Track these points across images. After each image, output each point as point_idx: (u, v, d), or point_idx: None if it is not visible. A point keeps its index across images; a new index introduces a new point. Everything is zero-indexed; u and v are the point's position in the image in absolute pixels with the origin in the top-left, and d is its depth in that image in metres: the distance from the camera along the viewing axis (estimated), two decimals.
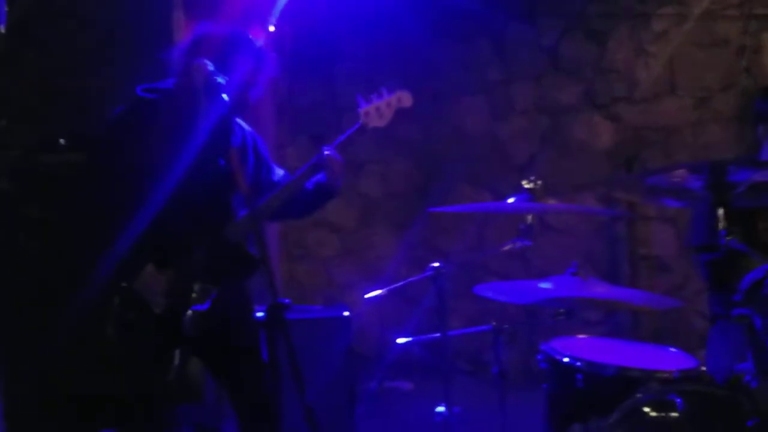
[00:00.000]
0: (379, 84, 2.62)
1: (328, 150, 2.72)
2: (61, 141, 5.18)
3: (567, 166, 4.90)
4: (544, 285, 2.34)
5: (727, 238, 2.15)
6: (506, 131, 5.08)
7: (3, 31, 3.73)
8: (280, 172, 2.92)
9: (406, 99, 2.77)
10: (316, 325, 3.74)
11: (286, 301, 2.21)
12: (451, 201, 5.21)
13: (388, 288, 2.46)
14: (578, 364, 2.41)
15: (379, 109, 2.74)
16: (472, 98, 5.18)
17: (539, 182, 2.42)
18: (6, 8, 3.86)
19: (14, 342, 4.58)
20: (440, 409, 2.63)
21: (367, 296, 2.51)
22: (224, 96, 2.38)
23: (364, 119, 2.74)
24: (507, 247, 2.38)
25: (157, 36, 4.48)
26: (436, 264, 2.43)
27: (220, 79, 2.44)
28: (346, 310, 3.79)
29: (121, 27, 4.28)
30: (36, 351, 4.53)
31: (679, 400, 2.13)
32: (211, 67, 2.47)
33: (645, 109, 4.75)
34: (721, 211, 2.16)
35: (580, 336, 2.73)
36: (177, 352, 2.42)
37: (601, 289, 2.37)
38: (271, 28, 4.59)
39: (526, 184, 2.46)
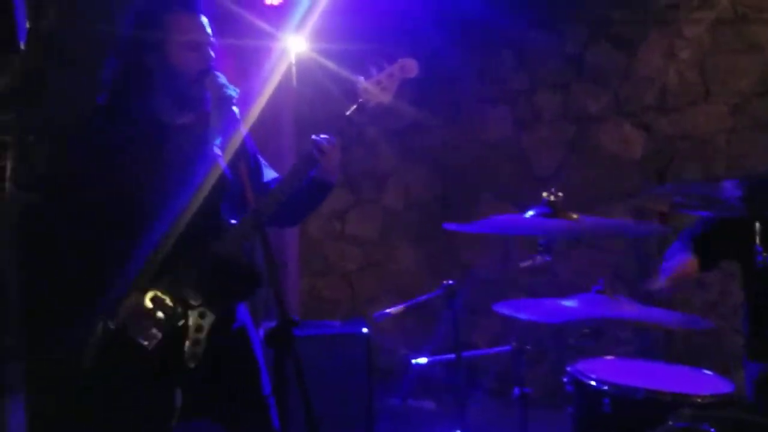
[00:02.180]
0: (400, 92, 2.45)
1: (318, 138, 2.39)
2: None
3: (595, 177, 4.73)
4: (569, 303, 2.20)
5: (764, 254, 2.01)
6: (531, 141, 4.94)
7: (23, 48, 3.67)
8: (272, 173, 2.65)
9: (410, 67, 2.46)
10: (335, 341, 3.64)
11: (295, 318, 2.06)
12: (474, 213, 5.06)
13: (396, 307, 2.32)
14: (606, 387, 2.28)
15: (381, 82, 2.43)
16: (495, 108, 5.05)
17: (560, 194, 2.26)
18: (28, 24, 3.80)
19: (36, 355, 4.55)
20: None
21: (376, 315, 2.37)
22: (235, 108, 2.27)
23: (364, 96, 2.42)
24: (526, 264, 2.23)
25: None
26: (450, 281, 2.26)
27: (231, 91, 2.33)
28: (364, 327, 3.68)
29: None
30: (55, 367, 4.49)
31: (713, 430, 1.98)
32: (222, 78, 2.37)
33: (677, 117, 4.57)
34: (757, 226, 2.01)
35: (608, 357, 2.59)
36: (178, 392, 2.29)
37: (629, 308, 2.22)
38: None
39: (546, 196, 2.30)
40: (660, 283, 2.52)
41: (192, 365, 2.33)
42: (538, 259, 2.22)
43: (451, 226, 2.33)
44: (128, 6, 2.46)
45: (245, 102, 2.67)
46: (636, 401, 2.23)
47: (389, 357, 5.10)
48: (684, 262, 2.61)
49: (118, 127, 2.37)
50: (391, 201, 5.38)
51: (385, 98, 2.46)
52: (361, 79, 2.47)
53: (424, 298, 2.38)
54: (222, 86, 2.32)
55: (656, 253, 4.50)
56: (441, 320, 4.58)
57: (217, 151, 2.45)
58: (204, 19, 2.44)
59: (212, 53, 2.44)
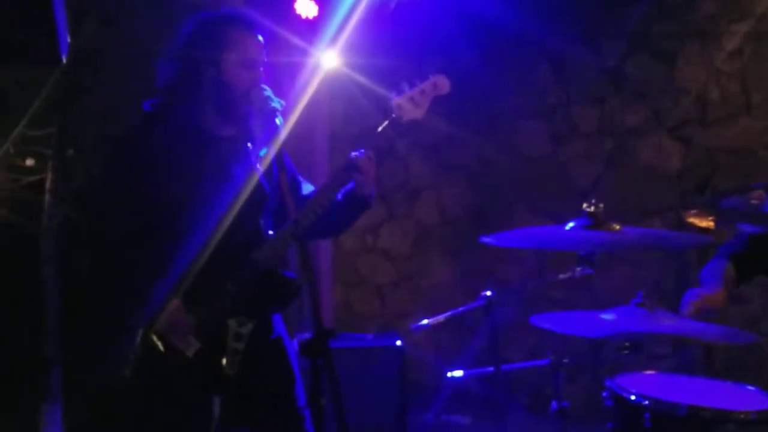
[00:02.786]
0: (431, 112, 2.43)
1: (356, 153, 2.41)
2: None
3: (632, 191, 4.67)
4: (607, 317, 2.16)
5: None
6: (568, 154, 4.90)
7: (67, 61, 3.73)
8: (309, 187, 2.67)
9: (442, 84, 2.48)
10: (368, 354, 3.63)
11: (331, 328, 2.06)
12: (509, 228, 5.02)
13: (435, 318, 2.29)
14: (646, 402, 2.23)
15: (413, 99, 2.44)
16: (530, 122, 5.02)
17: (601, 206, 2.23)
18: (70, 39, 3.87)
19: (73, 364, 4.61)
20: None
21: (413, 326, 2.34)
22: (278, 120, 2.28)
23: (397, 112, 2.44)
24: (566, 276, 2.19)
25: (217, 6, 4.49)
26: (488, 293, 2.23)
27: (276, 104, 2.35)
28: (398, 339, 3.66)
29: None
30: (92, 376, 4.54)
31: None
32: (268, 92, 2.39)
33: (718, 130, 4.50)
34: None
35: (648, 372, 2.53)
36: (216, 401, 2.30)
37: (668, 322, 2.17)
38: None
39: (586, 208, 2.26)
40: (683, 313, 2.44)
41: (230, 374, 2.35)
42: (578, 271, 2.17)
43: (488, 239, 2.30)
44: (189, 16, 2.50)
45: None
46: (677, 417, 2.18)
47: (422, 370, 5.06)
48: (711, 293, 2.52)
49: (161, 133, 2.41)
50: (424, 215, 5.37)
51: (419, 114, 2.48)
52: (394, 95, 2.50)
53: (462, 309, 2.35)
54: (267, 99, 2.35)
55: (696, 266, 4.43)
56: (476, 333, 4.53)
57: (258, 165, 2.48)
58: (260, 39, 2.48)
59: (262, 72, 2.48)
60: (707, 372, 4.26)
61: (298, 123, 2.64)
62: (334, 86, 5.01)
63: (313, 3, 4.08)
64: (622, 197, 4.68)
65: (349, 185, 2.47)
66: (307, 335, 2.03)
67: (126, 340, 2.41)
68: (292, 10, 4.09)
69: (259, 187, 2.50)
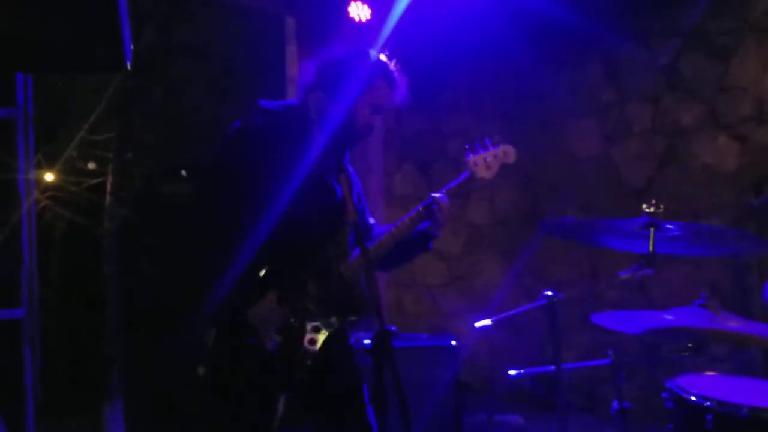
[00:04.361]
0: (485, 112, 2.48)
1: (438, 195, 2.60)
2: (183, 172, 5.38)
3: (689, 191, 4.61)
4: (669, 317, 2.15)
5: None
6: (621, 154, 4.85)
7: (129, 68, 3.85)
8: (371, 218, 2.81)
9: (510, 154, 2.69)
10: (423, 354, 3.66)
11: (393, 328, 2.12)
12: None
13: (498, 317, 2.31)
14: (708, 403, 2.22)
15: (487, 160, 2.66)
16: (583, 121, 4.99)
17: (661, 206, 2.22)
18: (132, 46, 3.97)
19: (134, 363, 4.73)
20: None
21: (477, 324, 2.37)
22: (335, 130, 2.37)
23: (473, 168, 2.66)
24: (626, 276, 2.19)
25: (271, 69, 4.57)
26: (549, 292, 2.24)
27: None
28: (453, 339, 3.68)
29: (237, 61, 4.40)
30: (154, 374, 4.65)
31: None
32: (325, 100, 2.47)
33: None
34: None
35: (709, 373, 2.51)
36: (282, 399, 2.37)
37: (733, 323, 2.15)
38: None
39: (646, 209, 2.26)
40: None
41: (300, 375, 2.41)
42: (639, 271, 2.17)
43: (547, 228, 2.31)
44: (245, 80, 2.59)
45: None
46: (740, 419, 2.16)
47: (474, 370, 5.08)
48: None
49: (278, 131, 2.50)
50: (475, 216, 5.38)
51: (489, 176, 2.68)
52: (469, 152, 2.67)
53: (524, 308, 2.36)
54: (324, 107, 2.44)
55: (755, 268, 4.36)
56: (533, 333, 4.53)
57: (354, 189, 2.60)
58: (393, 92, 2.59)
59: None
60: (765, 375, 4.19)
61: None
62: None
63: (366, 6, 4.12)
64: (677, 197, 4.63)
65: (422, 225, 2.61)
66: (368, 335, 2.08)
67: (198, 334, 2.50)
68: (346, 13, 4.14)
69: (352, 207, 2.59)
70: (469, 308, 5.41)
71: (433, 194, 2.60)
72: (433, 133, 5.51)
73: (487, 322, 2.35)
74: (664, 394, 2.36)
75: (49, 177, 4.70)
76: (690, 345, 2.15)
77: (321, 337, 2.44)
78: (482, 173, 2.65)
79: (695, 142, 4.62)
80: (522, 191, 5.19)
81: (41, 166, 4.66)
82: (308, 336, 2.43)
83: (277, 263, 2.41)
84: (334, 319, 2.48)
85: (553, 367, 2.37)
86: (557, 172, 5.08)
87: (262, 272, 2.41)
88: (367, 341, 2.08)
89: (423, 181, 5.61)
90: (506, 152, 2.68)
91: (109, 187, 4.76)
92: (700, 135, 4.61)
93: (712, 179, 4.55)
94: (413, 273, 5.62)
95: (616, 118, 4.88)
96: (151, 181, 5.34)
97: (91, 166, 4.78)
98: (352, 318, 2.58)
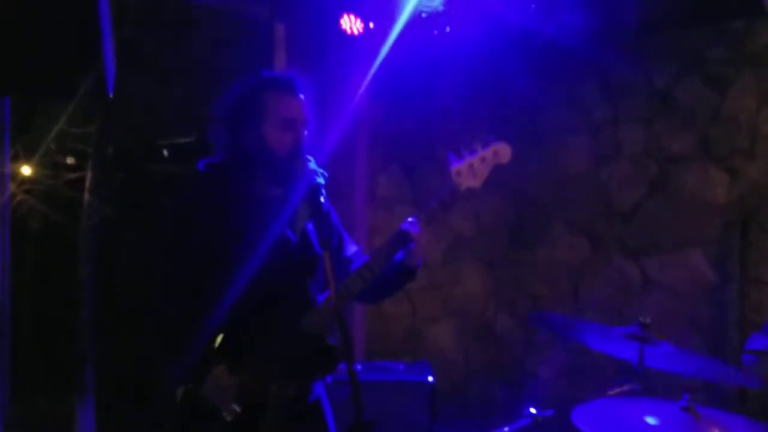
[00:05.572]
0: (477, 119, 2.31)
1: (412, 219, 2.38)
2: (165, 152, 5.26)
3: (675, 219, 4.58)
4: (652, 421, 2.11)
5: None
6: (611, 175, 4.80)
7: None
8: (353, 248, 2.66)
9: (504, 153, 2.40)
10: (398, 388, 3.63)
11: (370, 418, 2.05)
12: (545, 243, 4.98)
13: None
14: None
15: (473, 166, 2.37)
16: (575, 138, 4.91)
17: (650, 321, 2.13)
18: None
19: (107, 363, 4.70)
20: None
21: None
22: (322, 198, 2.27)
23: (456, 179, 2.36)
24: (614, 391, 2.14)
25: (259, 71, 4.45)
26: (533, 410, 2.18)
27: (320, 179, 2.32)
28: (429, 374, 3.66)
29: (222, 64, 4.27)
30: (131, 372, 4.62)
31: None
32: (312, 164, 2.37)
33: (767, 163, 4.36)
34: None
35: None
36: None
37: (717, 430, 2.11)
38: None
39: (642, 319, 2.13)
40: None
41: None
42: (626, 387, 2.12)
43: (535, 319, 2.26)
44: (230, 82, 2.50)
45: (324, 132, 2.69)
46: None
47: (449, 377, 5.10)
48: None
49: (216, 195, 2.43)
50: (459, 223, 5.32)
51: (476, 184, 2.40)
52: (453, 161, 2.42)
53: (510, 428, 2.27)
54: (312, 172, 2.32)
55: (736, 303, 4.36)
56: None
57: (310, 226, 2.47)
58: (301, 98, 2.44)
59: (305, 133, 2.45)
60: (741, 408, 4.23)
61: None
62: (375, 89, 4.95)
63: (359, 20, 3.98)
64: (663, 224, 4.60)
65: (398, 255, 2.44)
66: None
67: (164, 397, 2.45)
68: (338, 26, 4.01)
69: (309, 247, 2.49)
70: (446, 315, 5.41)
71: (404, 222, 2.38)
72: (421, 136, 5.41)
73: None
74: None
75: (26, 170, 4.59)
76: None
77: (287, 398, 2.33)
78: (468, 182, 2.37)
79: (685, 170, 4.57)
80: (508, 203, 5.13)
81: (18, 159, 4.54)
82: (273, 397, 2.32)
83: (232, 329, 2.31)
84: (300, 378, 2.39)
85: None
86: (545, 186, 5.02)
87: (218, 341, 2.32)
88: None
89: (407, 183, 5.53)
90: (497, 152, 2.39)
91: (88, 183, 4.65)
92: (690, 163, 4.56)
93: (699, 210, 4.51)
94: None
95: (608, 137, 4.81)
96: (137, 160, 5.22)
97: (70, 160, 4.66)
98: (320, 375, 2.53)
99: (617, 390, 2.09)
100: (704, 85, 4.51)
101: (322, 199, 2.26)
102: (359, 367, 3.87)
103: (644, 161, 4.69)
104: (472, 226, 5.29)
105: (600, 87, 4.82)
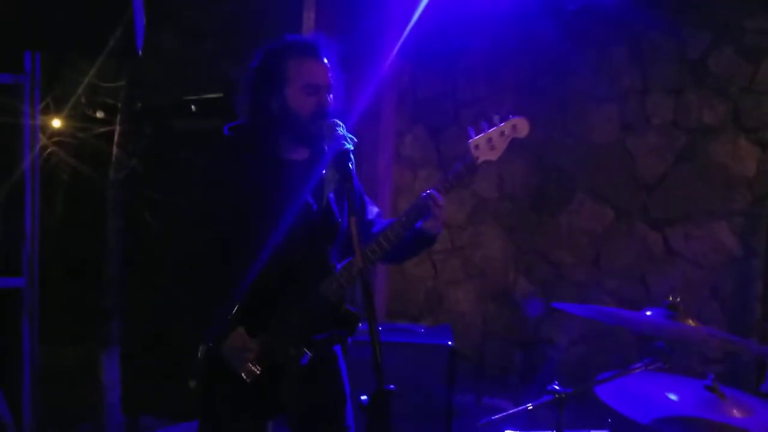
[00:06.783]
0: (503, 84, 2.29)
1: (431, 191, 2.43)
2: (192, 107, 5.28)
3: (702, 191, 4.54)
4: (673, 396, 2.12)
5: None
6: (638, 145, 4.75)
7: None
8: (374, 209, 2.70)
9: (522, 127, 2.45)
10: (418, 351, 3.68)
11: (392, 387, 2.08)
12: (569, 211, 4.97)
13: (507, 413, 2.27)
14: None
15: (491, 140, 2.42)
16: (602, 106, 4.86)
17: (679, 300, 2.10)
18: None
19: (134, 316, 4.79)
20: None
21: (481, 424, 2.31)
22: (351, 164, 2.27)
23: (474, 152, 2.42)
24: (638, 368, 2.13)
25: (287, 31, 4.43)
26: (556, 386, 2.18)
27: (349, 144, 2.32)
28: (449, 339, 3.69)
29: (250, 20, 4.26)
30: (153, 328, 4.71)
31: None
32: (341, 129, 2.37)
33: None
34: None
35: None
36: (269, 426, 2.39)
37: (740, 412, 2.09)
38: None
39: (669, 300, 2.11)
40: None
41: (286, 401, 2.43)
42: (653, 364, 2.11)
43: (559, 306, 2.27)
44: (254, 48, 2.51)
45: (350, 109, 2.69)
46: None
47: (467, 340, 5.16)
48: None
49: (244, 160, 2.45)
50: (482, 187, 5.32)
51: (494, 156, 2.46)
52: (472, 134, 2.46)
53: (534, 403, 2.23)
54: (340, 138, 2.33)
55: (760, 276, 4.34)
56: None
57: (332, 193, 2.50)
58: (325, 63, 2.45)
59: (330, 97, 2.45)
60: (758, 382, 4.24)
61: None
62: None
63: None
64: (689, 196, 4.57)
65: (418, 223, 2.48)
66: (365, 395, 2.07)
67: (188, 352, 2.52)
68: None
69: (330, 215, 2.52)
70: (466, 278, 5.44)
71: (425, 192, 2.43)
72: (447, 99, 5.38)
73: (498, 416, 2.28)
74: None
75: (56, 123, 4.63)
76: None
77: (305, 361, 2.39)
78: (485, 155, 2.42)
79: (714, 142, 4.52)
80: (532, 169, 5.11)
81: (48, 111, 4.58)
82: (291, 360, 2.39)
83: (252, 292, 2.37)
84: (318, 343, 2.44)
85: None
86: (570, 153, 4.99)
87: (239, 298, 2.37)
88: (364, 397, 2.08)
89: (432, 145, 5.52)
90: (516, 126, 2.44)
91: (116, 137, 4.70)
92: (720, 135, 4.50)
93: (727, 182, 4.47)
94: None
95: (636, 106, 4.75)
96: (165, 115, 5.23)
97: (100, 114, 4.70)
98: (338, 340, 2.58)
99: (642, 366, 2.10)
100: (737, 55, 4.43)
101: (351, 165, 2.27)
102: (380, 327, 3.92)
103: (672, 131, 4.64)
104: (495, 190, 5.28)
105: (631, 53, 4.74)
